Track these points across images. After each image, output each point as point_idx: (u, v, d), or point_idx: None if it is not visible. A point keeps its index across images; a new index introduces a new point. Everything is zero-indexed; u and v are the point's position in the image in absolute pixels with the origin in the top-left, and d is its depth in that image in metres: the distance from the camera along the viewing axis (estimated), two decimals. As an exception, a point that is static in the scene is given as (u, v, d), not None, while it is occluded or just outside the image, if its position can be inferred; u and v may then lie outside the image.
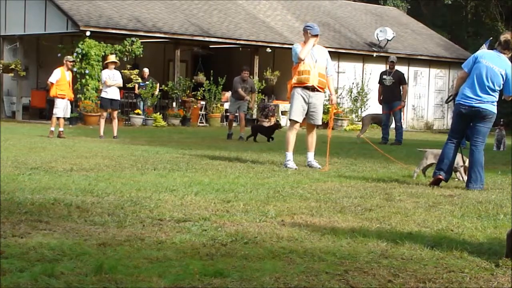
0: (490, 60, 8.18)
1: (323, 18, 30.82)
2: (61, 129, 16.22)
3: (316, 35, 10.21)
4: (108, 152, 11.77)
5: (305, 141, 10.41)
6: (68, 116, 17.01)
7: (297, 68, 10.14)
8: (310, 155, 10.33)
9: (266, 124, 20.61)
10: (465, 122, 8.34)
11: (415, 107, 31.04)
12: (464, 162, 8.90)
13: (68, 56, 17.29)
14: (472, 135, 8.36)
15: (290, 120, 10.37)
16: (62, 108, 16.40)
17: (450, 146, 8.43)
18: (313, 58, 10.15)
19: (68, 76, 16.54)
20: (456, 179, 8.91)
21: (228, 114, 19.29)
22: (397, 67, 18.39)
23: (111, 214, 5.66)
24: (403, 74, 18.10)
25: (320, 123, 10.48)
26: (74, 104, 23.31)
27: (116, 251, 4.44)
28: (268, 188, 7.54)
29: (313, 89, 10.16)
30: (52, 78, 16.41)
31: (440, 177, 8.31)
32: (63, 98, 16.39)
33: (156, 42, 25.55)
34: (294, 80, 10.19)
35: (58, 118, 16.38)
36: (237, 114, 17.46)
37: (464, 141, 16.48)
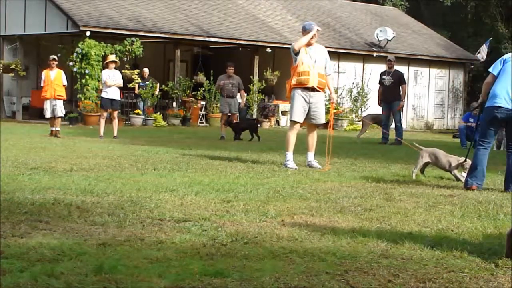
0: None
1: (323, 18, 30.81)
2: (57, 128, 16.26)
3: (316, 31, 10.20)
4: (108, 152, 11.77)
5: (305, 141, 10.42)
6: (60, 115, 16.72)
7: (296, 68, 10.12)
8: (310, 155, 10.32)
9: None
10: (498, 126, 8.10)
11: (415, 107, 31.03)
12: (458, 161, 8.93)
13: (50, 56, 17.25)
14: (508, 140, 8.11)
15: (291, 121, 10.38)
16: (47, 109, 16.59)
17: (483, 152, 8.10)
18: (312, 58, 10.13)
19: (53, 75, 16.55)
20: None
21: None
22: (397, 67, 18.39)
23: (111, 214, 5.66)
24: (403, 74, 18.09)
25: (323, 121, 10.49)
26: (74, 104, 23.38)
27: (116, 251, 4.44)
28: (268, 188, 7.54)
29: (312, 89, 10.17)
30: (41, 82, 16.83)
31: (474, 188, 8.00)
32: (46, 99, 16.55)
33: (156, 42, 25.55)
34: (293, 81, 10.17)
35: (50, 118, 16.55)
36: (229, 114, 17.47)
37: (465, 141, 16.56)
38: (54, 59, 16.79)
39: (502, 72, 8.04)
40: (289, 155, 10.12)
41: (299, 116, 10.20)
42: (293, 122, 10.28)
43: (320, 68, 10.20)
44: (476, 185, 8.04)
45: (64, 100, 16.96)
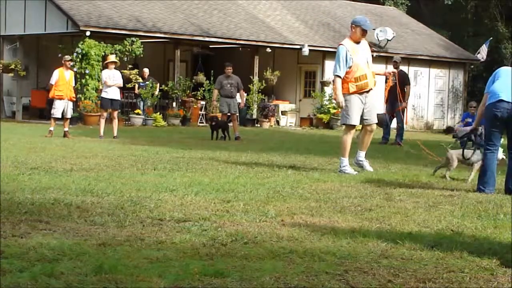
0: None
1: (323, 18, 30.80)
2: (66, 129, 16.24)
3: (365, 31, 9.74)
4: (108, 152, 11.77)
5: (361, 140, 9.99)
6: (69, 116, 16.81)
7: (351, 73, 9.58)
8: (362, 154, 9.94)
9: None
10: (501, 125, 7.88)
11: (415, 107, 31.03)
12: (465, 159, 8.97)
13: (66, 56, 17.27)
14: (509, 141, 7.97)
15: (347, 125, 9.84)
16: (60, 109, 16.45)
17: (490, 156, 7.97)
18: (364, 58, 9.70)
19: (68, 76, 16.54)
20: (468, 180, 8.92)
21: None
22: (397, 67, 18.35)
23: (111, 214, 5.66)
24: (407, 74, 18.06)
25: (376, 121, 10.00)
26: (74, 104, 23.37)
27: (116, 251, 4.44)
28: (268, 188, 7.54)
29: (369, 90, 9.76)
30: (52, 80, 16.55)
31: (489, 194, 7.79)
32: (61, 99, 16.44)
33: (156, 42, 25.55)
34: (352, 89, 9.61)
35: (56, 118, 16.46)
36: (229, 114, 17.46)
37: (464, 141, 16.54)
38: (71, 59, 16.83)
39: (497, 77, 7.96)
40: (346, 160, 9.63)
41: (356, 120, 9.72)
42: (350, 126, 9.80)
43: (372, 66, 9.83)
44: (490, 192, 7.88)
45: (72, 101, 17.10)
